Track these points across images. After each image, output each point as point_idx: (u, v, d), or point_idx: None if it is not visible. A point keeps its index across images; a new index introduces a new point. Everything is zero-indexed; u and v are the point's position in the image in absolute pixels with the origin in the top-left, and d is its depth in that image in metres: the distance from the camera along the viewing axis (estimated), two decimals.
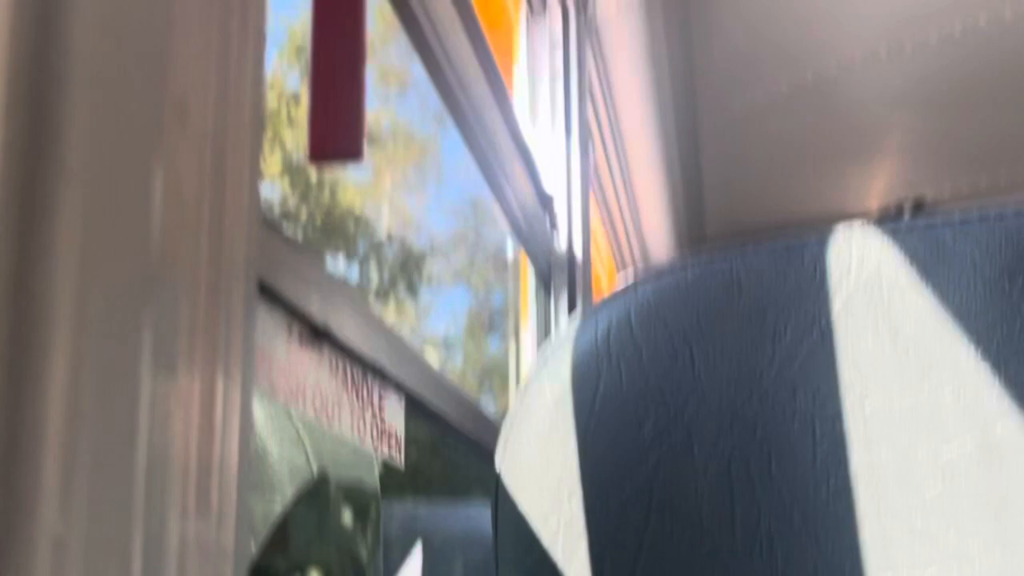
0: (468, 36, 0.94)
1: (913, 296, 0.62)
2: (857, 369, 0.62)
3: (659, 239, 2.40)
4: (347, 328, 0.56)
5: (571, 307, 1.26)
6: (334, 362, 0.55)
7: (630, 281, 0.66)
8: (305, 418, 0.50)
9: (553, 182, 1.30)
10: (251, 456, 0.38)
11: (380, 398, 0.62)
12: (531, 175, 1.18)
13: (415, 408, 0.69)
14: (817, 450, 0.61)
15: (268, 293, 0.46)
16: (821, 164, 2.69)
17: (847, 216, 3.03)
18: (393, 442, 0.63)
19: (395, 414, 0.64)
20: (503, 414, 0.66)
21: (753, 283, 0.64)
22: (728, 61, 2.00)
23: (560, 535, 0.62)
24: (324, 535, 0.69)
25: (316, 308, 0.52)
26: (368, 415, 0.59)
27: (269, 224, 0.47)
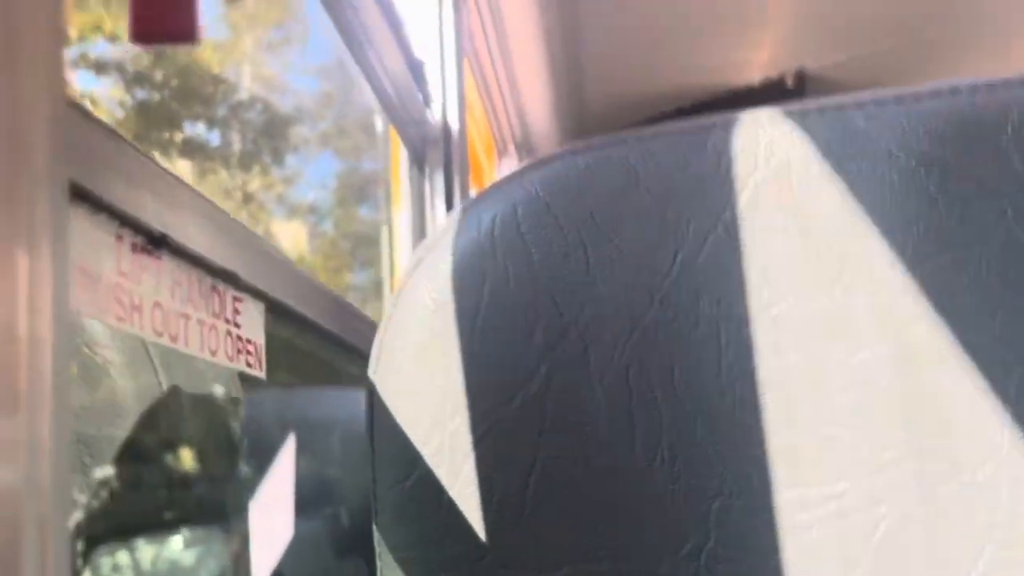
0: None
1: (825, 189, 0.57)
2: (765, 270, 0.57)
3: (539, 112, 2.33)
4: (190, 233, 0.48)
5: (447, 185, 1.19)
6: (176, 273, 0.47)
7: (515, 167, 0.60)
8: (148, 338, 0.43)
9: (425, 48, 1.21)
10: (66, 369, 0.32)
11: (235, 307, 0.54)
12: (399, 43, 1.09)
13: (278, 314, 0.62)
14: (722, 357, 0.57)
15: (88, 199, 0.39)
16: (704, 32, 2.63)
17: (730, 87, 3.00)
18: (252, 353, 0.56)
19: (253, 322, 0.57)
20: (377, 292, 0.59)
21: (652, 173, 0.57)
22: None
23: (444, 453, 0.57)
24: (176, 449, 0.62)
25: (151, 212, 0.44)
26: (221, 326, 0.52)
27: (83, 115, 0.39)
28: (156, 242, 0.44)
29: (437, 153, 1.18)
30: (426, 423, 0.57)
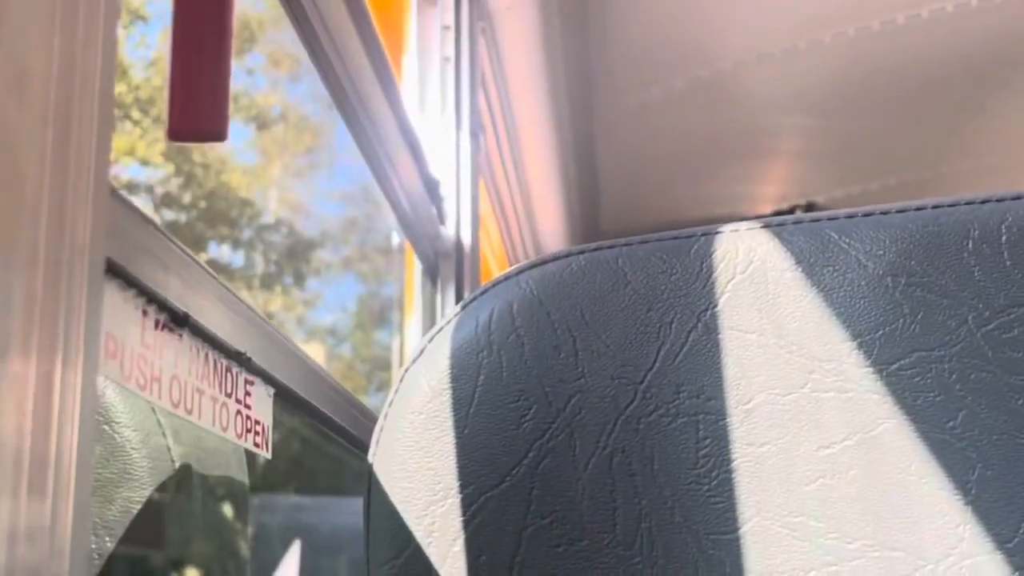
0: (355, 22, 0.91)
1: (798, 294, 0.61)
2: (741, 366, 0.61)
3: (553, 234, 2.39)
4: (210, 315, 0.53)
5: (459, 297, 1.24)
6: (195, 350, 0.51)
7: (513, 270, 0.64)
8: (164, 408, 0.47)
9: (442, 171, 1.28)
10: (91, 443, 0.36)
11: (246, 388, 0.59)
12: (418, 164, 1.16)
13: (286, 399, 0.66)
14: (699, 448, 0.60)
15: (121, 275, 0.43)
16: (717, 164, 2.71)
17: (742, 218, 3.06)
18: (260, 434, 0.60)
19: (263, 405, 0.61)
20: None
21: (639, 275, 0.62)
22: (625, 56, 2.00)
23: (434, 533, 0.60)
24: (185, 527, 0.66)
25: (175, 293, 0.49)
26: (232, 405, 0.56)
27: (122, 203, 0.44)
28: (178, 320, 0.48)
29: (449, 267, 1.23)
30: (419, 504, 0.60)
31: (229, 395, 0.55)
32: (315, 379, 0.72)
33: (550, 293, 0.62)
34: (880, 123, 2.66)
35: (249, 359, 0.58)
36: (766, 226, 0.63)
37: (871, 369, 0.60)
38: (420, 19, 1.34)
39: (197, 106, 0.42)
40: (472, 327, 0.62)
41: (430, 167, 1.23)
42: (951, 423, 0.59)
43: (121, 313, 0.42)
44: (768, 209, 3.04)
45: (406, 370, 0.63)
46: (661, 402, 0.61)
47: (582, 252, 0.64)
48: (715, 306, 0.61)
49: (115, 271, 0.42)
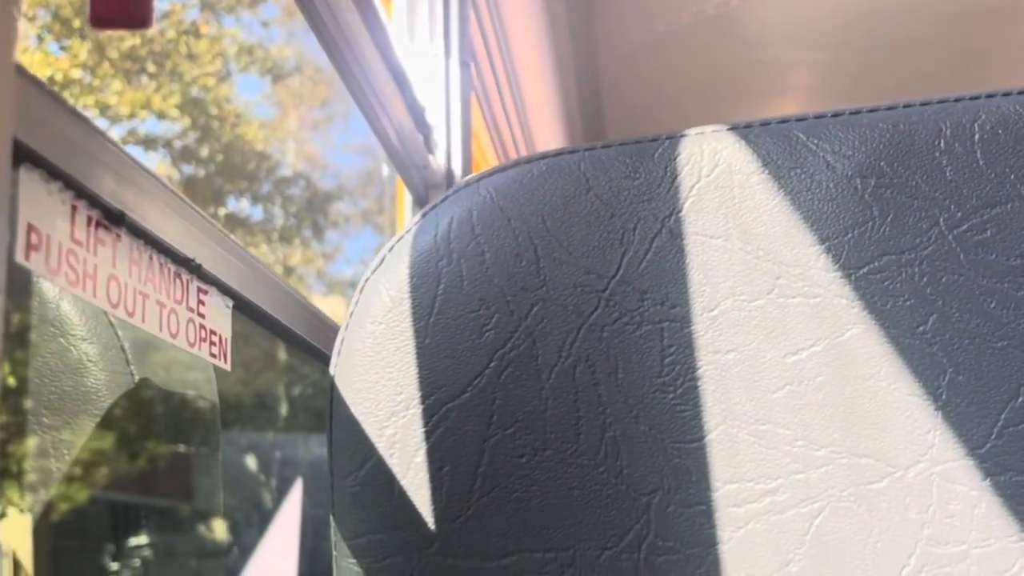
0: None
1: (764, 197, 0.60)
2: (706, 272, 0.59)
3: None
4: (154, 218, 0.52)
5: None
6: (137, 252, 0.51)
7: (474, 177, 0.63)
8: (102, 307, 0.46)
9: (431, 101, 1.26)
10: None
11: (199, 297, 0.58)
12: (404, 93, 1.14)
13: (246, 312, 0.65)
14: (664, 356, 0.59)
15: (42, 166, 0.42)
16: (725, 101, 2.68)
17: None
18: (217, 344, 0.60)
19: (219, 315, 0.61)
20: None
21: (601, 180, 0.61)
22: None
23: (396, 443, 0.59)
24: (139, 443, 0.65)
25: (110, 190, 0.48)
26: (183, 312, 0.55)
27: (36, 87, 0.43)
28: (114, 218, 0.47)
29: (440, 195, 1.22)
30: (381, 415, 0.60)
31: (179, 302, 0.54)
32: (277, 292, 0.71)
33: (511, 199, 0.61)
34: (892, 58, 2.62)
35: (199, 266, 0.57)
36: (732, 128, 0.61)
37: (839, 273, 0.59)
38: None
39: None
40: (431, 235, 0.61)
41: (418, 97, 1.22)
42: (922, 327, 0.58)
43: (44, 205, 0.41)
44: None
45: (366, 280, 0.62)
46: (625, 310, 0.60)
47: (543, 158, 0.62)
48: (679, 211, 0.60)
49: (34, 160, 0.41)
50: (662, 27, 2.17)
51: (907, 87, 2.80)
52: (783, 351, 0.59)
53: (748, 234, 0.60)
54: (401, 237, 0.62)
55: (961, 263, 0.58)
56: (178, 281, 0.55)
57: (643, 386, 0.59)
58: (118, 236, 0.48)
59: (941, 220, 0.58)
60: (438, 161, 1.25)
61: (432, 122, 1.25)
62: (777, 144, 0.60)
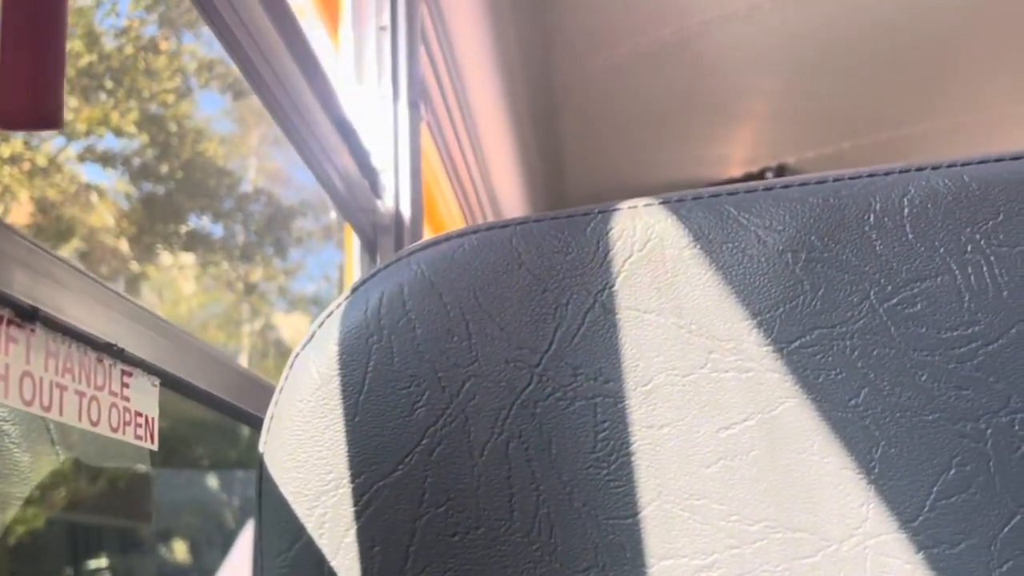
0: (266, 9, 0.88)
1: (697, 272, 0.59)
2: (639, 347, 0.59)
3: (514, 201, 2.36)
4: (71, 307, 0.51)
5: None
6: (53, 344, 0.50)
7: (405, 251, 0.63)
8: (35, 413, 0.45)
9: (380, 143, 1.25)
10: None
11: (123, 380, 0.57)
12: (347, 137, 1.13)
13: (176, 388, 0.65)
14: (598, 431, 0.59)
15: None
16: (685, 127, 2.69)
17: (711, 182, 3.04)
18: (143, 425, 0.59)
19: (144, 396, 0.60)
20: None
21: (533, 255, 0.60)
22: (584, 17, 1.97)
23: (326, 523, 0.59)
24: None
25: (22, 286, 0.47)
26: (105, 398, 0.54)
27: None
28: (26, 316, 0.46)
29: (389, 241, 1.21)
30: (310, 494, 0.59)
31: (100, 388, 0.53)
32: (207, 362, 0.71)
33: (442, 274, 0.61)
34: (851, 83, 2.64)
35: (122, 350, 0.56)
36: (664, 202, 0.61)
37: (771, 347, 0.58)
38: None
39: (27, 89, 0.40)
40: (362, 311, 0.61)
41: (363, 140, 1.21)
42: (853, 401, 0.58)
43: None
44: (738, 172, 3.02)
45: (295, 356, 0.61)
46: (558, 385, 0.59)
47: (475, 232, 0.62)
48: (612, 286, 0.60)
49: None
50: (619, 54, 2.17)
51: (868, 109, 2.82)
52: (717, 425, 0.58)
53: (681, 309, 0.59)
54: (331, 312, 0.61)
55: (892, 336, 0.58)
56: (99, 367, 0.54)
57: (577, 462, 0.59)
58: (32, 331, 0.47)
59: (872, 294, 0.58)
60: (386, 204, 1.24)
61: (380, 165, 1.25)
62: (709, 218, 0.60)
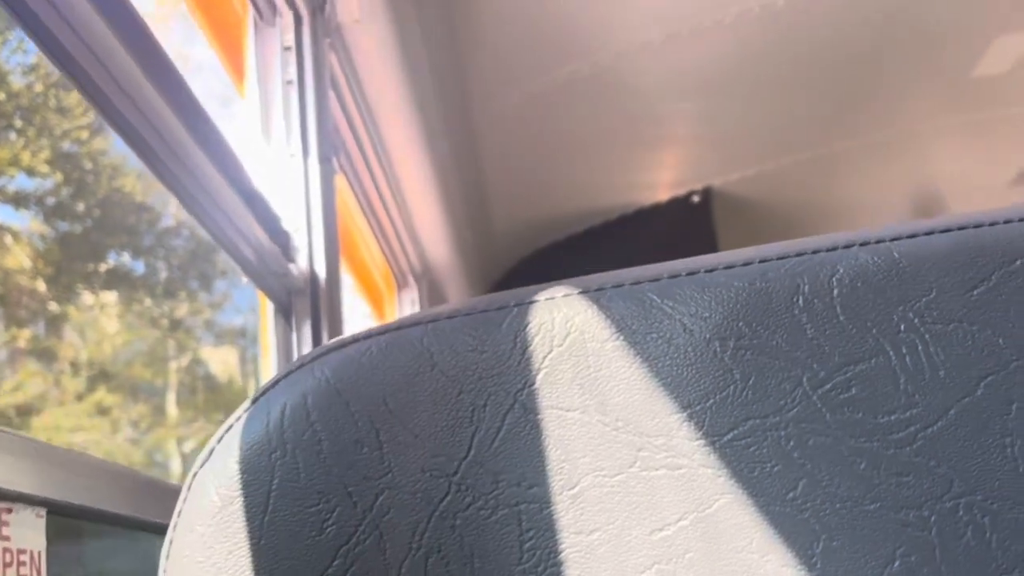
0: (159, 87, 0.83)
1: (621, 365, 0.56)
2: (564, 448, 0.56)
3: (440, 246, 2.32)
4: None
5: (315, 338, 1.17)
6: None
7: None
8: None
9: (291, 202, 1.21)
10: None
11: (1, 518, 0.52)
12: (257, 211, 1.08)
13: (67, 515, 0.60)
14: (523, 541, 0.55)
15: None
16: (610, 154, 2.67)
17: (638, 207, 3.04)
18: (27, 563, 0.54)
19: (28, 530, 0.55)
20: None
21: (446, 355, 0.57)
22: (499, 54, 1.94)
23: None
24: None
25: None
26: None
27: None
28: None
29: (305, 304, 1.17)
30: None
31: None
32: (102, 478, 0.66)
33: (348, 381, 0.57)
34: (770, 105, 2.65)
35: None
36: (584, 291, 0.58)
37: (703, 442, 0.55)
38: (258, 41, 1.26)
39: None
40: (263, 424, 0.56)
41: (273, 202, 1.16)
42: (791, 494, 0.55)
43: None
44: (665, 196, 3.02)
45: (194, 476, 0.57)
46: (478, 494, 0.55)
47: (383, 332, 0.58)
48: (532, 384, 0.56)
49: None
50: (536, 87, 2.15)
51: (787, 130, 2.83)
52: (650, 527, 0.55)
53: (606, 405, 0.56)
54: (230, 427, 0.57)
55: (828, 424, 0.55)
56: None
57: (502, 575, 0.55)
58: None
59: (804, 380, 0.56)
60: (300, 266, 1.19)
61: (293, 226, 1.20)
62: (631, 308, 0.57)
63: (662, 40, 2.22)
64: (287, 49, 1.25)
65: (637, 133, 2.59)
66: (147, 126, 0.82)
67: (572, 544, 0.55)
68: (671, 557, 0.54)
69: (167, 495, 0.79)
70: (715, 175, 2.99)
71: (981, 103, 2.80)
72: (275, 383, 0.58)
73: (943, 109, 2.83)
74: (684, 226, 2.94)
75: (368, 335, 0.58)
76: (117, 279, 5.68)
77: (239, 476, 0.55)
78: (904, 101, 2.73)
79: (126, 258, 6.00)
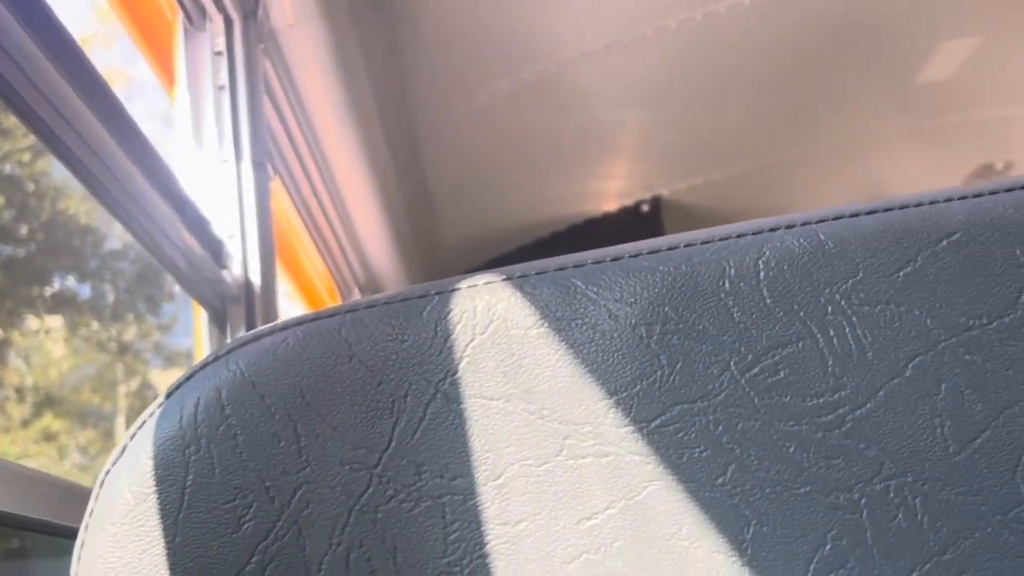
0: (79, 90, 0.81)
1: (546, 352, 0.55)
2: (488, 437, 0.54)
3: (384, 255, 2.30)
4: None
5: None
6: None
7: (223, 348, 0.57)
8: None
9: (224, 209, 1.19)
10: None
11: None
12: (186, 217, 1.06)
13: None
14: (448, 533, 0.54)
15: None
16: (557, 164, 2.67)
17: (587, 217, 3.04)
18: None
19: None
20: None
21: (365, 345, 0.55)
22: (441, 62, 1.93)
23: None
24: None
25: None
26: None
27: None
28: None
29: (239, 311, 1.15)
30: None
31: None
32: (15, 481, 0.63)
33: (264, 373, 0.55)
34: (716, 113, 2.66)
35: None
36: (507, 278, 0.57)
37: (630, 428, 0.54)
38: (188, 47, 1.24)
39: None
40: (177, 419, 0.55)
41: (204, 208, 1.14)
42: (720, 479, 0.54)
43: None
44: (614, 206, 3.02)
45: (105, 474, 0.55)
46: (400, 486, 0.54)
47: (300, 323, 0.57)
48: (455, 373, 0.55)
49: None
50: (481, 97, 2.14)
51: (736, 138, 2.84)
52: (577, 516, 0.54)
53: (531, 393, 0.55)
54: (143, 423, 0.55)
55: (756, 408, 0.54)
56: None
57: (426, 569, 0.53)
58: None
59: (732, 364, 0.55)
60: (234, 273, 1.17)
61: (226, 232, 1.18)
62: (555, 294, 0.56)
63: (606, 48, 2.22)
64: (218, 54, 1.23)
65: (585, 143, 2.59)
66: (69, 131, 0.80)
67: (498, 535, 0.54)
68: (599, 546, 0.53)
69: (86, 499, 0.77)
70: (664, 184, 2.99)
71: (928, 109, 2.83)
72: (189, 377, 0.56)
73: (890, 116, 2.86)
74: (634, 236, 2.92)
75: (284, 326, 0.56)
76: (62, 303, 5.59)
77: (153, 473, 0.54)
78: (851, 108, 2.75)
79: (71, 281, 5.91)
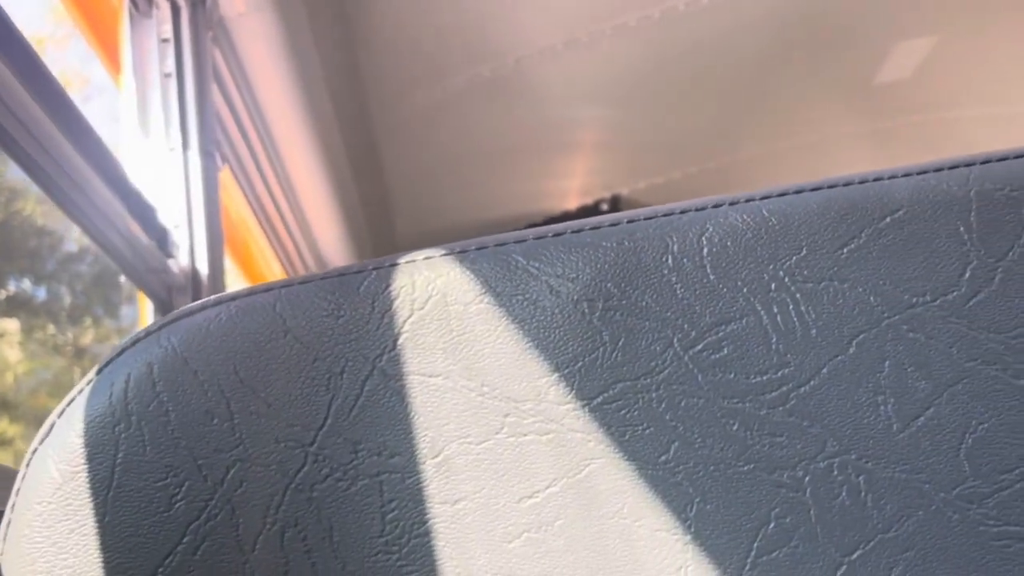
0: (18, 73, 0.80)
1: (486, 328, 0.54)
2: (427, 415, 0.53)
3: (339, 250, 2.29)
4: None
5: None
6: None
7: (155, 324, 0.55)
8: None
9: (171, 198, 1.17)
10: None
11: None
12: (129, 200, 1.04)
13: None
14: (385, 512, 0.53)
15: None
16: (515, 161, 2.66)
17: (546, 215, 3.04)
18: None
19: None
20: None
21: (300, 321, 0.54)
22: (396, 56, 1.92)
23: None
24: None
25: None
26: None
27: None
28: None
29: (185, 300, 1.13)
30: None
31: None
32: None
33: (196, 349, 0.54)
34: (674, 113, 2.66)
35: None
36: (447, 253, 0.56)
37: (572, 405, 0.53)
38: (134, 33, 1.22)
39: None
40: (106, 396, 0.53)
41: (150, 196, 1.12)
42: (664, 456, 0.53)
43: None
44: (573, 205, 3.02)
45: (33, 452, 0.53)
46: (337, 464, 0.53)
47: (234, 299, 0.55)
48: (392, 349, 0.54)
49: None
50: (437, 93, 2.13)
51: (693, 138, 2.85)
52: (519, 495, 0.53)
53: (471, 369, 0.54)
54: (72, 400, 0.54)
55: (700, 385, 0.54)
56: None
57: (363, 549, 0.52)
58: None
59: (675, 341, 0.54)
60: (180, 263, 1.15)
61: (173, 221, 1.16)
62: (496, 269, 0.55)
63: (563, 45, 2.22)
64: (164, 41, 1.21)
65: (543, 140, 2.58)
66: (8, 117, 0.78)
67: (438, 514, 0.53)
68: (541, 524, 0.53)
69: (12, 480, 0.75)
70: (623, 183, 3.00)
71: (884, 110, 2.85)
72: (119, 353, 0.55)
73: (847, 116, 2.87)
74: None
75: (218, 301, 0.55)
76: (18, 306, 5.53)
77: (82, 451, 0.52)
78: (808, 108, 2.76)
79: (27, 284, 5.85)
